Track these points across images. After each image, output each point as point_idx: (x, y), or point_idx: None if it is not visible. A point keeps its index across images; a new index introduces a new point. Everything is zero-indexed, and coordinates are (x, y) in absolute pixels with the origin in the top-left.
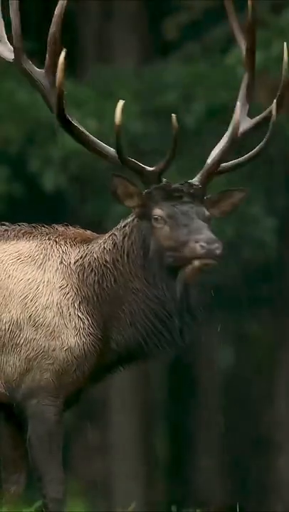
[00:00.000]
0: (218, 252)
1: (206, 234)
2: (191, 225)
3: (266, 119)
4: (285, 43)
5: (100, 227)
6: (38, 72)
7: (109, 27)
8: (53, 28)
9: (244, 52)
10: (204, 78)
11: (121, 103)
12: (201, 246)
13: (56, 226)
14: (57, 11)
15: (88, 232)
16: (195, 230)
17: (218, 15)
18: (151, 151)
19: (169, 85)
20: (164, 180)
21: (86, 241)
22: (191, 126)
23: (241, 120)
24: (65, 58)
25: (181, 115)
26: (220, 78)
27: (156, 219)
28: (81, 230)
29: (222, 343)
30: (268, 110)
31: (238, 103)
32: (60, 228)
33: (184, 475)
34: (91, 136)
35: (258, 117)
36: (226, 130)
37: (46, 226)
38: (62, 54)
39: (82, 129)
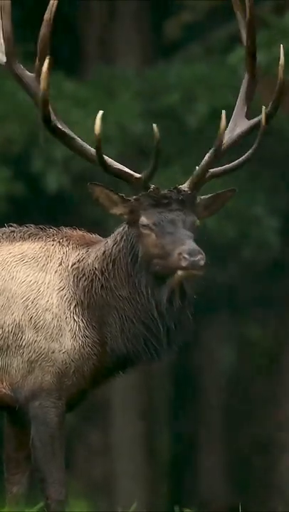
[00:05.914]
0: (201, 263)
1: (190, 245)
2: (175, 234)
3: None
4: (281, 45)
5: (101, 228)
6: (29, 76)
7: (112, 27)
8: (43, 30)
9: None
10: (206, 79)
11: (100, 113)
12: (184, 258)
13: (64, 228)
14: (47, 14)
15: (94, 235)
16: (179, 240)
17: (221, 16)
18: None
19: (172, 86)
20: (152, 186)
21: (89, 244)
22: (194, 126)
23: (238, 122)
24: (49, 66)
25: (183, 116)
26: (222, 79)
27: (143, 226)
28: (87, 234)
29: (224, 343)
30: (263, 114)
31: (238, 103)
32: (67, 230)
33: (185, 475)
34: (78, 140)
35: (254, 119)
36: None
37: (53, 228)
38: (46, 61)
39: (71, 134)
